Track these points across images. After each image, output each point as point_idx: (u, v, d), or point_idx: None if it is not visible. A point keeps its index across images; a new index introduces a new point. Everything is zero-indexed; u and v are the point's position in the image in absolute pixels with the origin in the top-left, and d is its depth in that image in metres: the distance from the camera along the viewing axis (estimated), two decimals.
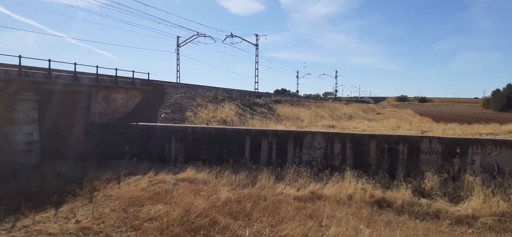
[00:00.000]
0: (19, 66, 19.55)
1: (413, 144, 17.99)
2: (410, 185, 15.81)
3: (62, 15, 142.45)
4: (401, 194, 15.00)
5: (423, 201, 14.74)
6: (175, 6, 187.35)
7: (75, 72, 22.97)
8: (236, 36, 46.97)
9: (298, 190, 15.84)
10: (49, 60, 21.10)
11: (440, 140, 17.87)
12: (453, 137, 19.69)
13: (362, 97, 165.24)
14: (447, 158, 17.26)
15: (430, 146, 17.69)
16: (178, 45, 47.23)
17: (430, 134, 22.64)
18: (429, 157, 17.59)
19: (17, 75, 19.42)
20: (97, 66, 24.53)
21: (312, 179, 16.72)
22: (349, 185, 15.74)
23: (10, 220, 12.57)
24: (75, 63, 22.85)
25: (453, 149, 17.35)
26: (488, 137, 19.83)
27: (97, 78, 24.67)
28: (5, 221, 12.51)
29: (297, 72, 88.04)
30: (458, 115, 59.92)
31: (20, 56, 19.43)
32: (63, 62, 22.18)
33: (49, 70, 21.21)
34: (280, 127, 26.70)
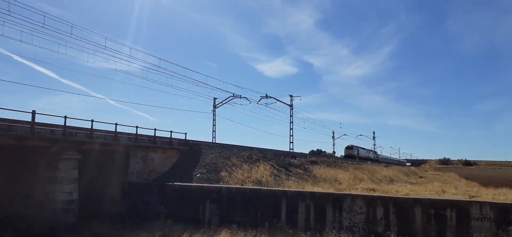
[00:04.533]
0: (64, 126, 20.29)
1: (462, 209, 16.79)
2: None
3: (105, 78, 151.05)
4: None
5: None
6: (211, 70, 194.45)
7: (115, 132, 23.55)
8: (271, 97, 47.38)
9: None
10: (92, 121, 21.83)
11: (492, 205, 16.60)
12: (506, 202, 18.20)
13: (369, 150, 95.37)
14: (501, 226, 15.94)
15: (481, 212, 16.46)
16: (214, 106, 48.18)
17: (480, 199, 21.08)
18: (480, 224, 16.31)
19: (61, 135, 20.12)
20: (136, 127, 25.12)
21: None
22: None
23: None
24: (116, 124, 23.51)
25: (507, 216, 16.04)
26: None
27: (136, 138, 25.17)
28: None
29: (333, 132, 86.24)
30: (508, 179, 56.32)
31: (65, 117, 20.23)
32: (104, 122, 22.83)
33: (91, 130, 21.88)
34: (317, 189, 25.82)
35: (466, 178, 62.49)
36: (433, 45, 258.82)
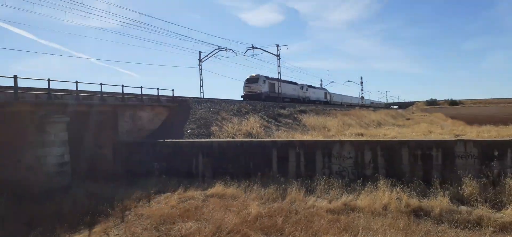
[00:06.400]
0: (48, 89, 20.00)
1: (447, 148, 17.27)
2: (448, 192, 15.12)
3: (83, 36, 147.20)
4: (439, 202, 14.34)
5: (463, 208, 14.03)
6: (195, 22, 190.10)
7: (101, 92, 23.33)
8: (257, 48, 46.73)
9: (330, 202, 15.38)
10: (76, 82, 21.52)
11: (475, 143, 17.09)
12: (489, 139, 18.83)
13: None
14: (484, 162, 16.45)
15: (466, 150, 16.94)
16: (200, 60, 47.56)
17: (465, 138, 21.74)
18: (465, 161, 16.84)
19: (46, 98, 19.88)
20: (122, 86, 24.90)
21: (344, 190, 16.23)
22: (383, 194, 15.16)
23: None
24: (101, 84, 23.24)
25: (490, 152, 16.53)
26: None
27: (123, 98, 25.00)
28: None
29: (321, 80, 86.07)
30: (492, 117, 57.73)
31: (49, 79, 19.89)
32: (89, 83, 22.63)
33: (77, 91, 21.63)
34: (307, 137, 26.28)
35: (452, 118, 63.83)
36: None
